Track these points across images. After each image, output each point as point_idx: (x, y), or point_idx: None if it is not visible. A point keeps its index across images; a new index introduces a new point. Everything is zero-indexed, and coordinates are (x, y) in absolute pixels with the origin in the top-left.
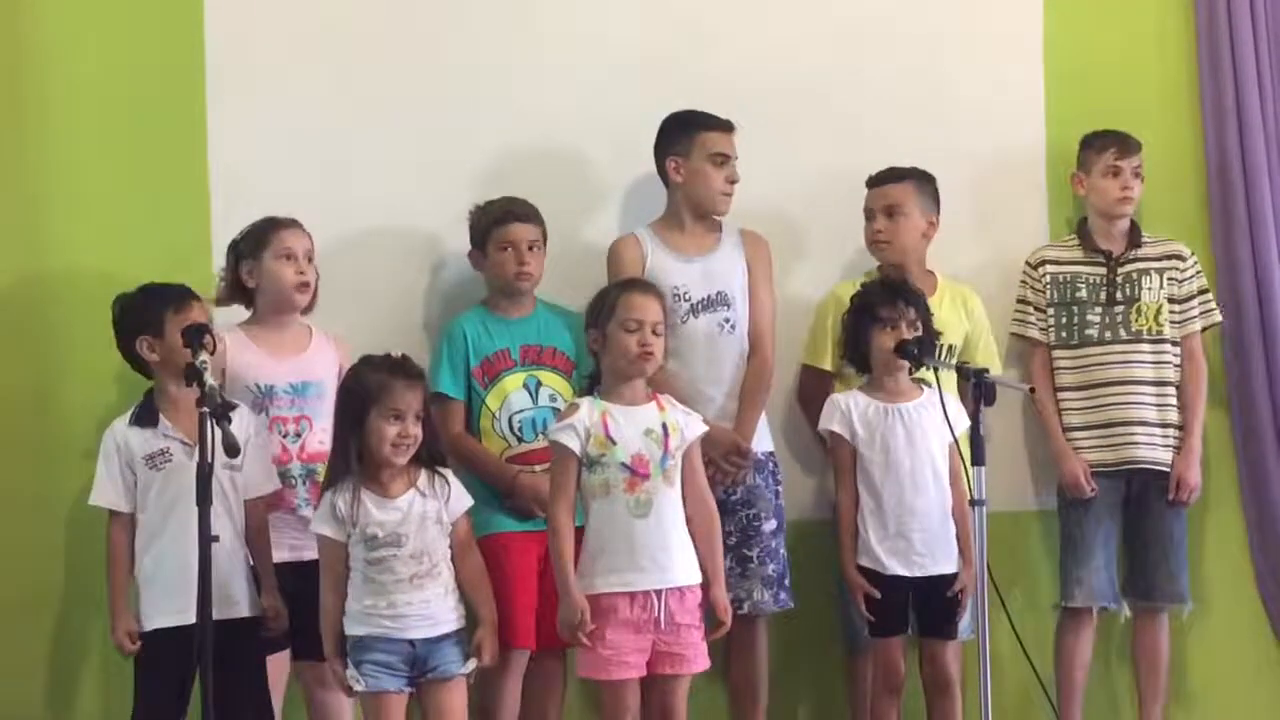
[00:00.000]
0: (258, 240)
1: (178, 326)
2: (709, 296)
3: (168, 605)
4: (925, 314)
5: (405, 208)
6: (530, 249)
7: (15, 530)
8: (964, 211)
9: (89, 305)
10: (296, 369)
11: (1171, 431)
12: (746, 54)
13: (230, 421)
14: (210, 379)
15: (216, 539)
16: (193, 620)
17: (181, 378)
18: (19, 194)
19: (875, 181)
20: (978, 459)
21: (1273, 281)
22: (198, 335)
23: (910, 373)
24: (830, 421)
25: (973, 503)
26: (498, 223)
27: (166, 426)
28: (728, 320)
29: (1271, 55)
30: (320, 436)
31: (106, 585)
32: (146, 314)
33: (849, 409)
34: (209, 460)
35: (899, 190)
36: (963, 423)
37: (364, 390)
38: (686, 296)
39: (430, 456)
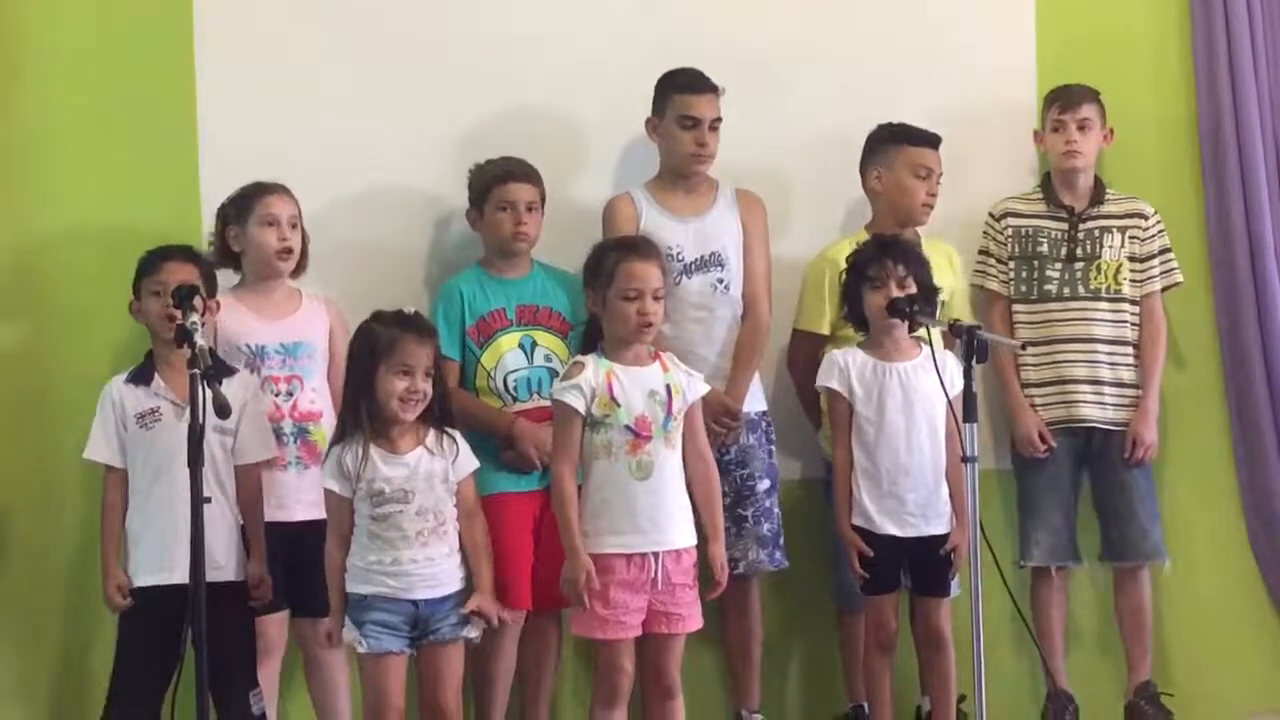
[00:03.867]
0: (242, 205)
1: (148, 289)
2: (703, 257)
3: (152, 564)
4: (920, 270)
5: (399, 168)
6: (529, 209)
7: (19, 488)
8: (957, 168)
9: (78, 268)
10: (287, 329)
11: (1128, 391)
12: (738, 11)
13: (220, 383)
14: (201, 340)
15: (208, 501)
16: (176, 580)
17: (166, 339)
18: (6, 158)
19: (934, 143)
20: (969, 416)
21: (1265, 240)
22: (187, 296)
23: (910, 330)
24: (828, 379)
25: (964, 459)
26: (497, 181)
27: (159, 386)
28: (721, 281)
29: (1265, 14)
30: (311, 395)
31: (100, 539)
32: (134, 278)
33: (847, 366)
34: (200, 422)
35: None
36: (960, 383)
37: (374, 345)
38: (680, 257)
39: (440, 415)
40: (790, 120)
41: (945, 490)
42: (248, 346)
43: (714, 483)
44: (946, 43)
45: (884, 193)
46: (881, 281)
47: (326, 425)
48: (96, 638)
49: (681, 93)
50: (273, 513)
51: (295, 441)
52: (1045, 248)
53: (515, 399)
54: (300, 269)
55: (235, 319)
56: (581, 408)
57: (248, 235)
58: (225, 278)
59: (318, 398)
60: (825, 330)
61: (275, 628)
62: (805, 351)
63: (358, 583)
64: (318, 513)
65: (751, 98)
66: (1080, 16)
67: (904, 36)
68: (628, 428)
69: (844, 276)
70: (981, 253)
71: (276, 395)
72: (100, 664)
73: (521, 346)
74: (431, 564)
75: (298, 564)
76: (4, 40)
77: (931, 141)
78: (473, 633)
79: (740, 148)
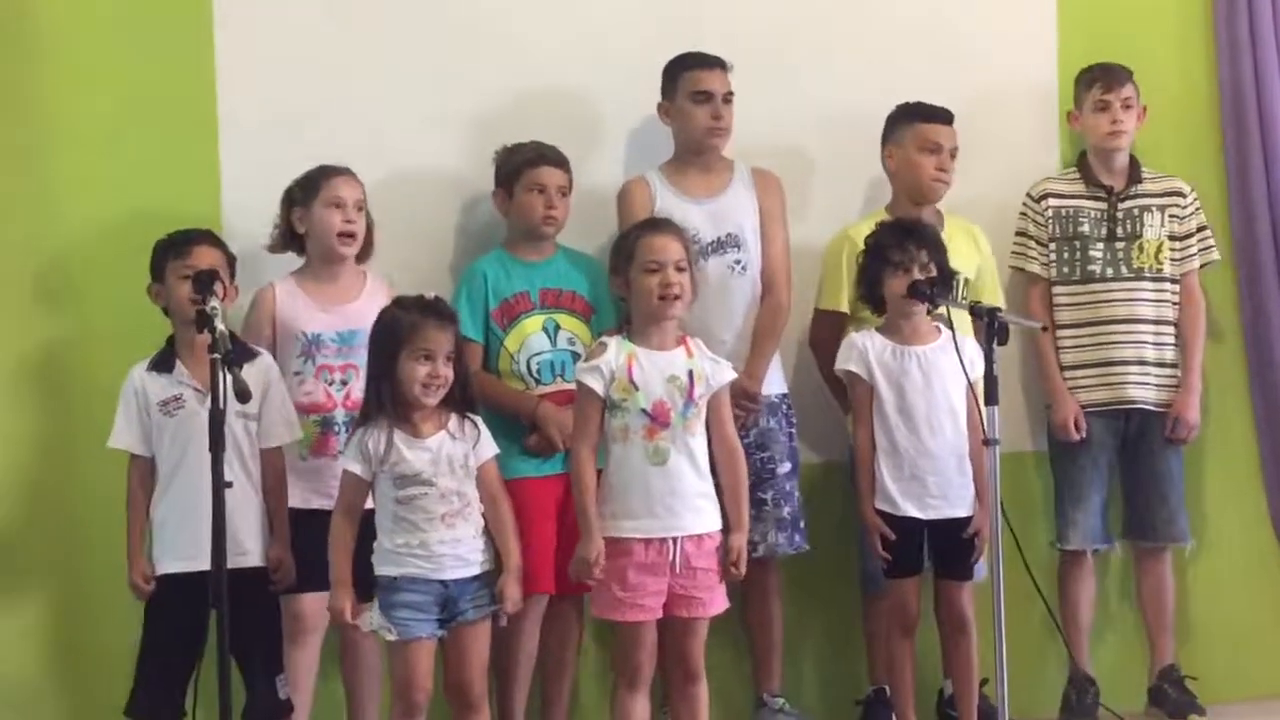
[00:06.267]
0: (309, 187)
1: (178, 274)
2: (719, 238)
3: (177, 551)
4: (940, 254)
5: (421, 152)
6: (560, 194)
7: (43, 477)
8: (977, 146)
9: (101, 256)
10: (344, 317)
11: (1169, 371)
12: None
13: (241, 368)
14: (221, 325)
15: (230, 485)
16: (201, 567)
17: (189, 324)
18: (27, 142)
19: (945, 119)
20: (991, 399)
21: None
22: (208, 281)
23: (928, 312)
24: (847, 361)
25: (986, 442)
26: (530, 164)
27: (181, 373)
28: (739, 262)
29: None
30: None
31: (125, 527)
32: (154, 261)
33: (866, 349)
34: (221, 407)
35: (955, 132)
36: (980, 366)
37: (395, 330)
38: (697, 239)
39: (462, 400)
40: (809, 100)
41: (969, 471)
42: (303, 334)
43: (740, 473)
44: (967, 20)
45: (897, 171)
46: (904, 265)
47: None
48: (122, 627)
49: (691, 69)
50: (323, 501)
51: (348, 431)
52: (1086, 228)
53: (539, 382)
54: (365, 254)
55: (292, 305)
56: (600, 389)
57: (312, 217)
58: (288, 261)
59: None
60: (845, 308)
61: (317, 606)
62: (828, 331)
63: (387, 565)
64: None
65: (769, 77)
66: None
67: (925, 14)
68: (644, 412)
69: (861, 258)
70: (1020, 234)
71: (330, 384)
72: (126, 650)
73: (545, 330)
74: (459, 544)
75: (325, 551)
76: (20, 24)
77: (940, 117)
78: (502, 618)
79: (758, 128)
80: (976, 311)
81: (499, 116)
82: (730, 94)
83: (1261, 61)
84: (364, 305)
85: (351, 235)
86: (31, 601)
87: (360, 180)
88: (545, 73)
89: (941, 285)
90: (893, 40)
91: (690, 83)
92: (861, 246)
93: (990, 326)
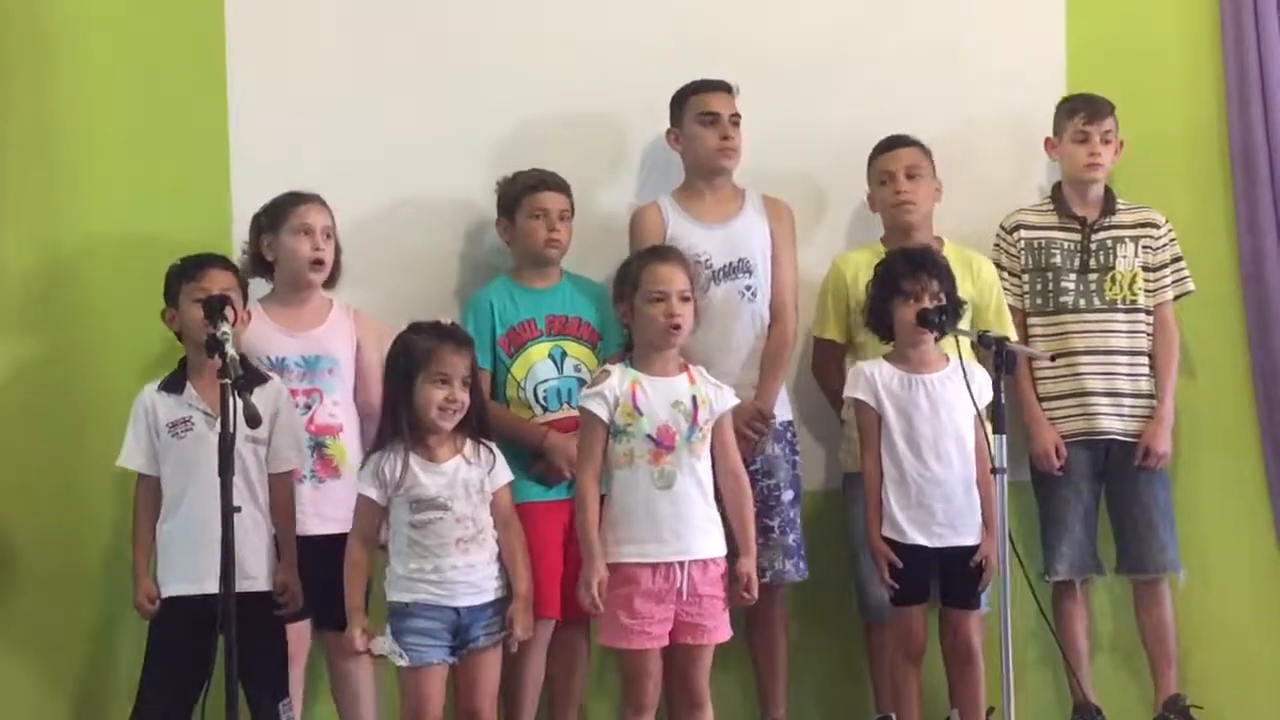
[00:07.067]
0: (277, 214)
1: (191, 297)
2: (731, 264)
3: (183, 574)
4: (949, 284)
5: (431, 176)
6: (561, 218)
7: (51, 496)
8: (983, 177)
9: (109, 276)
10: (309, 342)
11: (1144, 401)
12: (763, 17)
13: (251, 392)
14: (232, 350)
15: (238, 510)
16: (207, 590)
17: (201, 348)
18: (41, 166)
19: (890, 145)
20: (998, 427)
21: None
22: (219, 306)
23: (936, 340)
24: (855, 390)
25: (993, 471)
26: (530, 190)
27: (191, 395)
28: (749, 288)
29: None
30: (331, 410)
31: (131, 547)
32: (167, 285)
33: (874, 377)
34: (230, 431)
35: (915, 152)
36: (988, 395)
37: (412, 355)
38: (708, 264)
39: (478, 426)
40: (818, 127)
41: (976, 500)
42: (268, 358)
43: (746, 499)
44: (974, 52)
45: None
46: (915, 295)
47: (345, 440)
48: (125, 645)
49: (696, 93)
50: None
51: (312, 455)
52: (1059, 259)
53: (545, 409)
54: (333, 280)
55: (258, 330)
56: (605, 415)
57: (281, 244)
58: (256, 287)
59: (339, 411)
60: (832, 336)
61: (297, 635)
62: (826, 358)
63: (399, 591)
64: (334, 527)
65: (777, 103)
66: (1110, 25)
67: (931, 45)
68: (649, 437)
69: (869, 287)
70: (994, 266)
71: (294, 408)
72: (129, 672)
73: (551, 357)
74: (473, 570)
75: (320, 578)
76: (36, 49)
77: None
78: (513, 644)
79: (765, 154)
80: (985, 341)
81: (508, 142)
82: (737, 116)
83: (1270, 91)
84: (329, 331)
85: (321, 262)
86: (33, 620)
87: (328, 206)
88: (556, 98)
89: (952, 314)
90: (897, 71)
91: (697, 106)
92: (845, 275)
93: (998, 355)
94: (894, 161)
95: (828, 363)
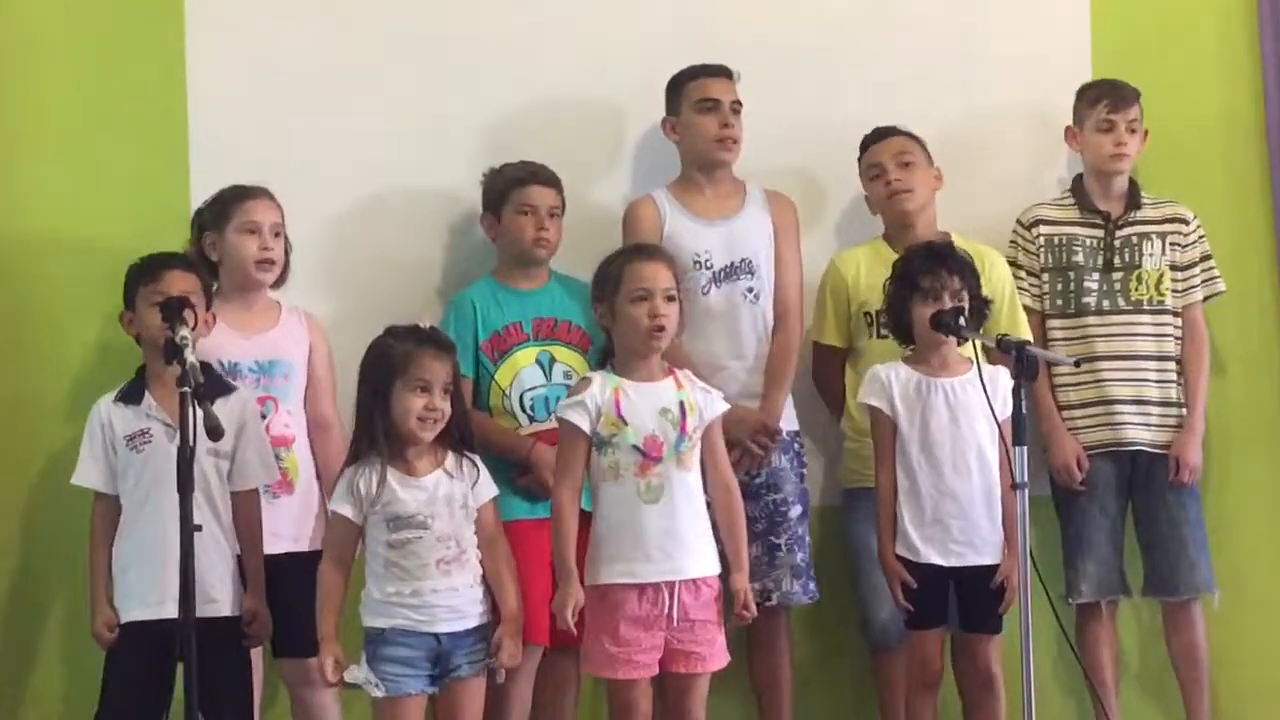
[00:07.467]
0: (221, 211)
1: (148, 300)
2: (733, 264)
3: (141, 596)
4: (973, 281)
5: (407, 171)
6: (550, 215)
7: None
8: (999, 169)
9: (59, 275)
10: (264, 346)
11: (1173, 410)
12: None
13: (213, 402)
14: (192, 356)
15: (199, 529)
16: (166, 615)
17: (159, 354)
18: None
19: (876, 137)
20: (1019, 438)
21: None
22: (178, 309)
23: (958, 344)
24: (869, 395)
25: (1014, 485)
26: (518, 184)
27: (150, 406)
28: (751, 290)
29: None
30: (285, 419)
31: (88, 571)
32: (125, 287)
33: (889, 382)
34: (190, 444)
35: (903, 140)
36: (1012, 403)
37: (389, 361)
38: (708, 264)
39: (460, 437)
40: (820, 117)
41: (998, 517)
42: (220, 363)
43: (737, 511)
44: (992, 36)
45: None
46: (934, 293)
47: (299, 452)
48: (82, 675)
49: (694, 78)
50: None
51: None
52: (1081, 257)
53: (532, 419)
54: (281, 280)
55: (210, 332)
56: (586, 426)
57: (226, 243)
58: None
59: (292, 421)
60: (832, 341)
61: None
62: (827, 364)
63: (375, 616)
64: (292, 545)
65: (777, 92)
66: (1138, 8)
67: (943, 28)
68: (635, 448)
69: (888, 285)
70: (1010, 264)
71: None
72: (84, 703)
73: (539, 362)
74: (455, 594)
75: (274, 601)
76: None
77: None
78: (499, 674)
79: (765, 147)
80: (1005, 345)
81: (493, 133)
82: (738, 103)
83: None
84: (282, 335)
85: (270, 262)
86: None
87: (278, 201)
88: (545, 84)
89: (973, 316)
90: (914, 58)
91: (695, 92)
92: (845, 274)
93: (1019, 361)
94: (882, 152)
95: (829, 370)
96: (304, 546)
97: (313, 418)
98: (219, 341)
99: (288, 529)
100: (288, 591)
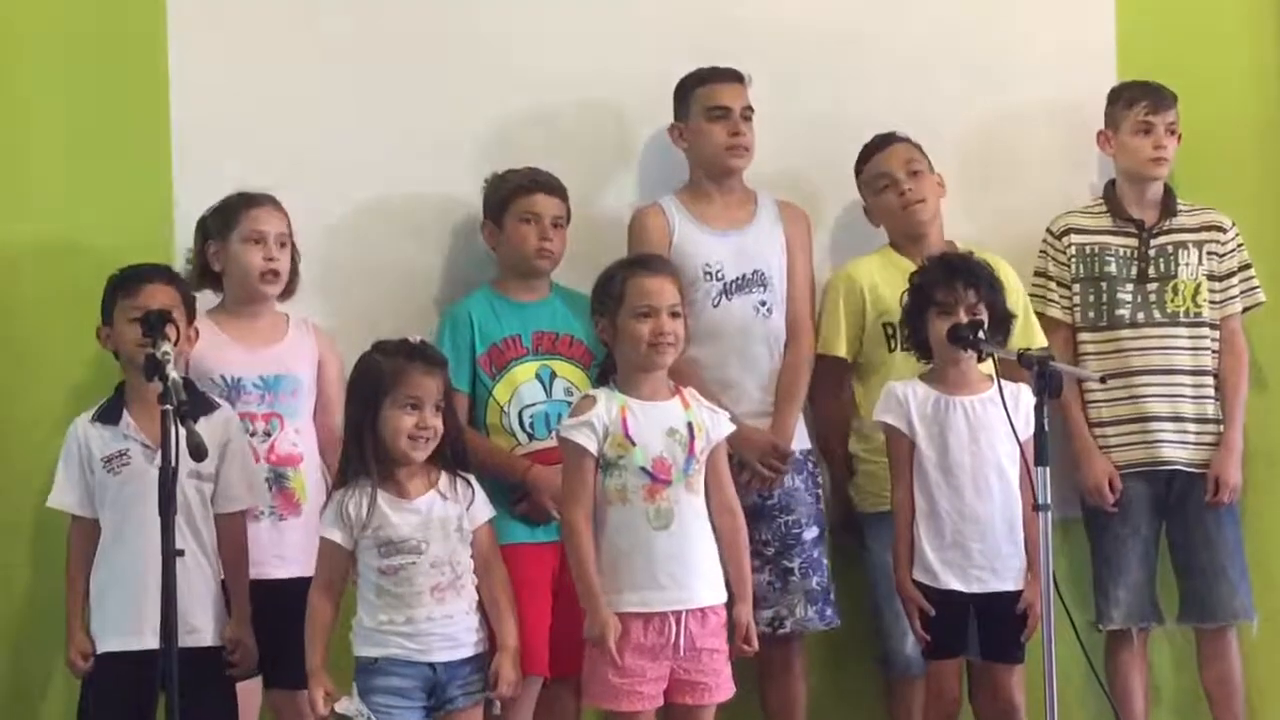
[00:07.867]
0: (225, 219)
1: (126, 314)
2: (745, 276)
3: (119, 626)
4: (993, 294)
5: (403, 178)
6: (554, 225)
7: None
8: (1026, 176)
9: (37, 287)
10: (268, 361)
11: (1210, 427)
12: (780, 5)
13: (196, 421)
14: (174, 373)
15: (181, 554)
16: (146, 645)
17: (139, 371)
18: None
19: (879, 145)
20: (1040, 458)
21: None
22: (158, 323)
23: (979, 360)
24: (885, 413)
25: (1036, 507)
26: (521, 192)
27: (129, 425)
28: (764, 303)
29: None
30: (293, 437)
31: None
32: (104, 300)
33: (906, 399)
34: (172, 465)
35: (908, 147)
36: (1035, 421)
37: (377, 377)
38: (719, 275)
39: (454, 456)
40: (836, 121)
41: (1020, 540)
42: (223, 378)
43: (742, 537)
44: (1013, 37)
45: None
46: (949, 308)
47: (306, 471)
48: (57, 707)
49: (704, 84)
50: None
51: (271, 489)
52: (1114, 267)
53: (532, 437)
54: (289, 292)
55: (211, 346)
56: (593, 447)
57: (230, 253)
58: (204, 300)
59: (300, 440)
60: (842, 353)
61: (247, 696)
62: (823, 378)
63: (367, 645)
64: (297, 570)
65: (789, 95)
66: (1164, 10)
67: (963, 28)
68: (644, 470)
69: (905, 298)
70: (1039, 275)
71: (253, 435)
72: None
73: (539, 378)
74: (450, 622)
75: (276, 628)
76: None
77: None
78: (496, 707)
79: (775, 152)
80: (1025, 361)
81: (493, 139)
82: (749, 109)
83: None
84: (290, 348)
85: (275, 273)
86: None
87: (284, 209)
88: (549, 87)
89: (993, 329)
90: (929, 54)
91: (705, 98)
92: (860, 284)
93: (1040, 377)
94: (890, 160)
95: (828, 384)
96: (312, 571)
97: (325, 435)
98: (220, 354)
99: (295, 553)
100: (292, 618)
